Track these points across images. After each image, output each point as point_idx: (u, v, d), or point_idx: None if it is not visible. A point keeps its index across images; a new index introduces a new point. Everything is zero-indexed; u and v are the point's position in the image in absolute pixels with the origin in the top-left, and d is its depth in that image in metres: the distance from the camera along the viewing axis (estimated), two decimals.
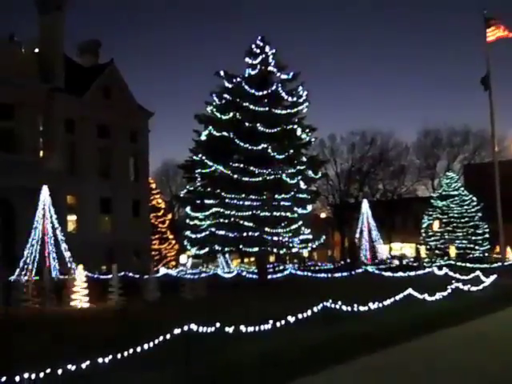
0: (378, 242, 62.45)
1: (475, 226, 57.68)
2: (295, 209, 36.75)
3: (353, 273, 41.71)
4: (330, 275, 40.50)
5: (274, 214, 35.81)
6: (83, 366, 9.72)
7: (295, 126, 37.67)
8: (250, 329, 13.02)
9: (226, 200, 35.43)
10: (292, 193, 36.39)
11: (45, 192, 41.17)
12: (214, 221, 36.11)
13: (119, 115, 62.12)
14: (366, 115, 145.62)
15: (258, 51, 38.16)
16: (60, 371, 9.34)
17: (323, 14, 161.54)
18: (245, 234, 35.32)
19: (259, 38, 38.46)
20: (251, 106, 36.60)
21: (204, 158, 36.22)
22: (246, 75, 37.95)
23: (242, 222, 35.26)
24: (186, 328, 11.13)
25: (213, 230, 35.59)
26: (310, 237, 37.61)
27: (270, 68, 38.13)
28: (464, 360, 12.47)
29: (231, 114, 36.55)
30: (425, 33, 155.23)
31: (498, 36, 32.80)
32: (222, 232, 35.35)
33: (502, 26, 33.11)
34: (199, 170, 36.82)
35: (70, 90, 58.52)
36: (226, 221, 35.62)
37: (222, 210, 35.56)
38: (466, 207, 58.32)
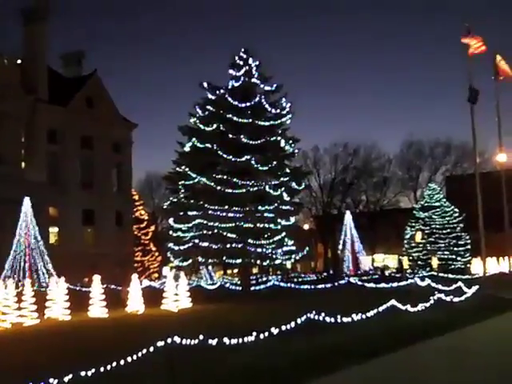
0: (360, 254, 62.62)
1: (457, 237, 58.11)
2: (278, 220, 36.80)
3: (336, 284, 41.73)
4: (313, 286, 40.49)
5: (258, 225, 35.84)
6: (65, 379, 9.65)
7: (278, 138, 37.77)
8: (234, 341, 12.97)
9: (210, 212, 35.39)
10: (275, 204, 36.45)
11: (26, 203, 40.84)
12: (197, 232, 36.05)
13: (102, 126, 61.98)
14: (349, 127, 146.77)
15: (242, 63, 38.29)
16: None
17: (305, 25, 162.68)
18: (228, 246, 35.31)
19: (242, 50, 38.62)
20: (235, 118, 36.68)
21: (187, 169, 36.24)
22: (230, 87, 38.07)
23: (225, 233, 35.23)
24: (169, 341, 11.06)
25: (196, 241, 35.53)
26: (294, 248, 37.67)
27: (253, 80, 38.26)
28: (448, 372, 12.51)
29: (215, 126, 36.61)
30: (408, 44, 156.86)
31: (481, 51, 33.08)
32: (205, 244, 35.28)
33: (479, 41, 33.28)
34: (182, 182, 36.79)
35: (54, 100, 58.35)
36: (210, 232, 35.57)
37: (205, 222, 35.51)
38: (447, 218, 58.72)
